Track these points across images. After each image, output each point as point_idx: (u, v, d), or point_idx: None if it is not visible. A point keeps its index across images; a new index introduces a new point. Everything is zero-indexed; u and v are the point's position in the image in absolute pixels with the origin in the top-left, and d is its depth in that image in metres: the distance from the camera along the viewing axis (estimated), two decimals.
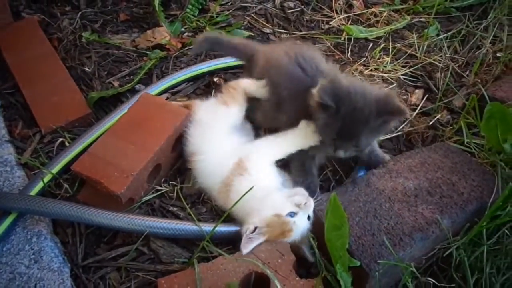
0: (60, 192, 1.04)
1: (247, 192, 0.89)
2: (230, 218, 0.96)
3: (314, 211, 0.91)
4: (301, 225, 0.89)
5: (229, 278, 0.83)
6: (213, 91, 1.30)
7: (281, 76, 1.02)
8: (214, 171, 1.01)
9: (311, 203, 0.91)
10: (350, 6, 1.64)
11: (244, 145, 1.04)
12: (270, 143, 1.02)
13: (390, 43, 1.46)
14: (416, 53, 1.42)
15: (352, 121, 0.89)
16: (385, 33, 1.51)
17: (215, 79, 1.34)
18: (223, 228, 0.95)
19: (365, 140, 0.92)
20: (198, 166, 1.03)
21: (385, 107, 0.88)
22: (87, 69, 1.37)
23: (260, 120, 1.13)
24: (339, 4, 1.64)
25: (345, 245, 0.76)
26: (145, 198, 1.03)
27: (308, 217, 0.91)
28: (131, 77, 1.36)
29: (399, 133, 1.20)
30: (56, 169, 1.05)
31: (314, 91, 0.89)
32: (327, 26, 1.55)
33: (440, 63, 1.38)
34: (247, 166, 0.96)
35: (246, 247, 0.86)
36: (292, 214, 0.89)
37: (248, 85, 1.10)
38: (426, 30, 1.47)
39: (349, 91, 0.89)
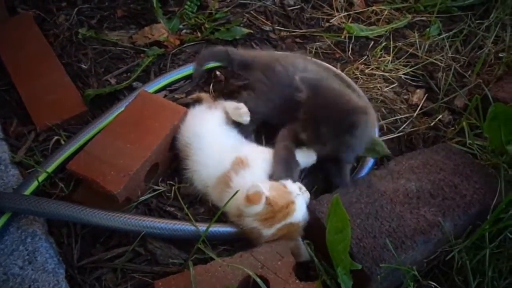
0: (56, 192, 1.02)
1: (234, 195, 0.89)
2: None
3: (314, 212, 0.90)
4: (302, 206, 0.90)
5: (227, 280, 0.82)
6: (212, 84, 1.29)
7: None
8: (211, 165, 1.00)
9: (308, 194, 0.94)
10: (351, 4, 1.62)
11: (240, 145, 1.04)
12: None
13: (391, 42, 1.44)
14: (418, 52, 1.41)
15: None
16: (386, 31, 1.49)
17: (217, 73, 1.32)
18: (221, 228, 0.93)
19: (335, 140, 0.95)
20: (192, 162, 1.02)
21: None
22: (83, 66, 1.34)
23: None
24: (339, 2, 1.61)
25: (347, 248, 0.75)
26: (142, 198, 1.01)
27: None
28: (128, 74, 1.34)
29: (401, 133, 1.18)
30: (51, 168, 1.03)
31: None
32: (327, 24, 1.53)
33: (441, 62, 1.36)
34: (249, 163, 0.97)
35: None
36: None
37: (228, 105, 1.08)
38: (427, 29, 1.46)
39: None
